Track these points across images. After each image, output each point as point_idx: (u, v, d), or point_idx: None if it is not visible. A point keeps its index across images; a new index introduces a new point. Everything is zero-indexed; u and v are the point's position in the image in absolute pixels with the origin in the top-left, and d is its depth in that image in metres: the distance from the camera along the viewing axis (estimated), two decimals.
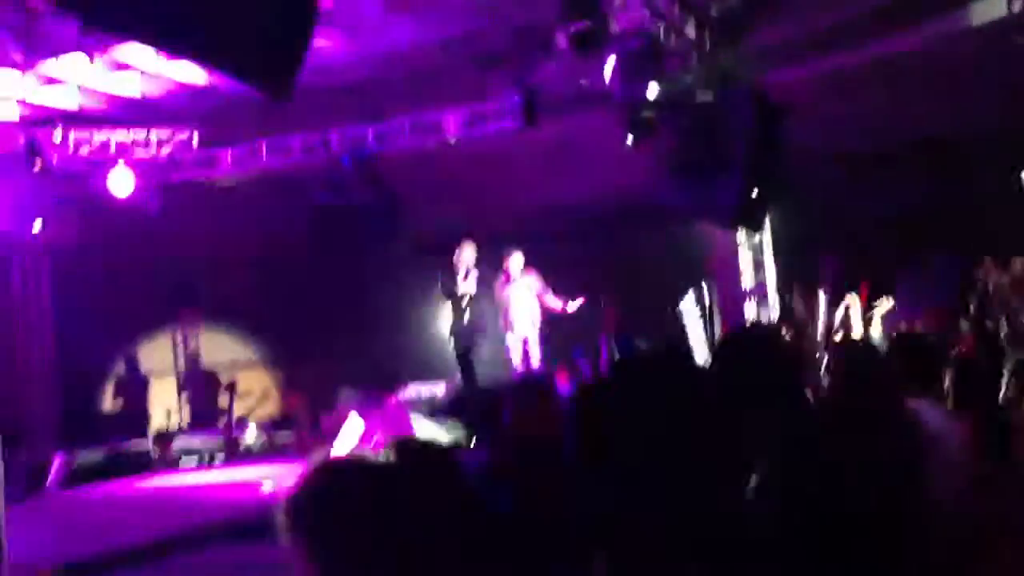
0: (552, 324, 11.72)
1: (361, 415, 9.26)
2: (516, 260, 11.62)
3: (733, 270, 11.69)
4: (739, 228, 10.94)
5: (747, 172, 9.21)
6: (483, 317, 11.50)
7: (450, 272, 11.35)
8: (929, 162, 11.50)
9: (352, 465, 1.94)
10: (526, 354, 11.47)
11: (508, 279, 11.57)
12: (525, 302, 11.53)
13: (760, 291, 11.61)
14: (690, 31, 8.92)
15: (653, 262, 12.44)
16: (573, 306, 11.53)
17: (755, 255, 11.66)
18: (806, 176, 10.67)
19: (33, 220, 12.49)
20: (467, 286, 11.30)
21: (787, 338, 8.28)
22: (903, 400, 3.33)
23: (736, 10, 8.76)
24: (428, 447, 2.95)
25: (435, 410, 10.45)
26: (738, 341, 2.92)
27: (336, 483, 1.85)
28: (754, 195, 9.59)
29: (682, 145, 9.65)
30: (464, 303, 11.31)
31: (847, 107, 11.16)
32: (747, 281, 11.66)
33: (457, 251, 11.37)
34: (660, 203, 10.05)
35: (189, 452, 11.94)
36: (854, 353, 3.81)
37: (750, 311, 11.54)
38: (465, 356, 11.35)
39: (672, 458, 1.56)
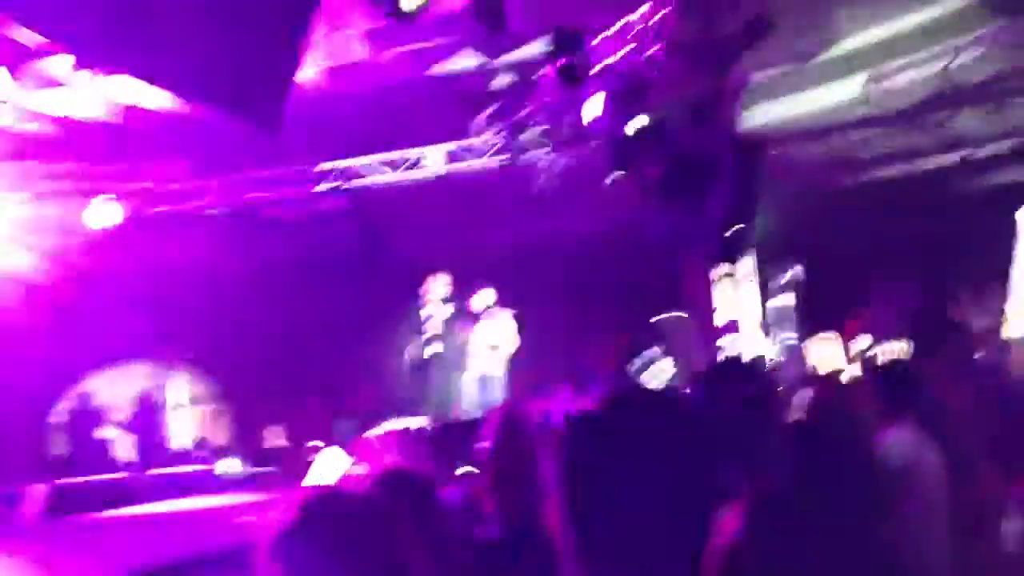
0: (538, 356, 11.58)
1: (349, 449, 9.24)
2: (481, 297, 11.20)
3: (709, 302, 11.75)
4: (718, 261, 11.03)
5: (727, 206, 9.33)
6: (452, 352, 10.94)
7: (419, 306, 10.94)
8: (906, 196, 11.66)
9: (334, 498, 1.96)
10: (483, 393, 10.92)
11: (471, 317, 11.14)
12: (489, 340, 11.06)
13: (735, 326, 11.67)
14: (672, 67, 9.04)
15: (633, 294, 12.49)
16: None
17: (734, 288, 11.71)
18: (787, 210, 10.79)
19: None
20: (434, 320, 10.84)
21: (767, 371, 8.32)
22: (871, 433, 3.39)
23: (719, 46, 8.89)
24: (409, 478, 2.99)
25: (420, 443, 10.40)
26: (722, 373, 2.98)
27: (318, 516, 1.87)
28: (734, 229, 9.71)
29: (663, 179, 9.76)
30: (427, 337, 10.81)
31: (824, 142, 11.37)
32: (725, 314, 11.71)
33: (425, 285, 10.96)
34: (642, 236, 10.15)
35: (169, 482, 11.88)
36: (829, 388, 3.88)
37: (728, 344, 11.59)
38: (427, 390, 10.86)
39: (656, 489, 1.58)
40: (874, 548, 2.35)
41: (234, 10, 4.28)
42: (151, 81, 4.56)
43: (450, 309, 10.99)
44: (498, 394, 10.87)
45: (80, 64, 6.98)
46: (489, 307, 11.08)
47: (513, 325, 11.14)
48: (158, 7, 4.07)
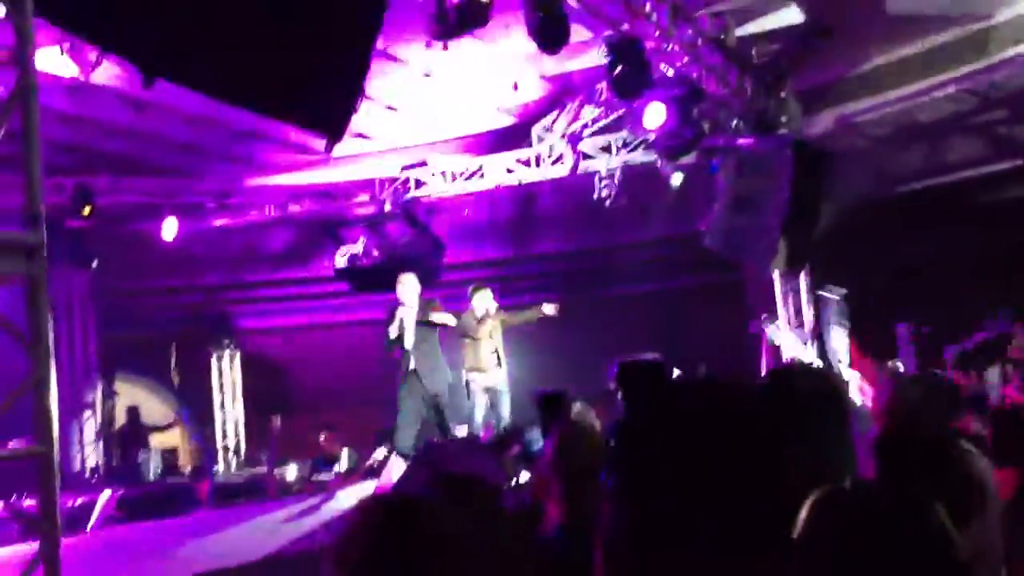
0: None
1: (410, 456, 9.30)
2: (483, 297, 10.41)
3: (772, 312, 11.67)
4: (778, 270, 10.95)
5: (788, 217, 9.26)
6: (425, 358, 9.60)
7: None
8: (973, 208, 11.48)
9: (405, 502, 1.97)
10: (492, 404, 10.32)
11: (478, 320, 10.36)
12: (493, 344, 10.45)
13: (801, 334, 11.59)
14: (732, 77, 9.02)
15: (696, 303, 12.46)
16: (550, 308, 10.53)
17: (795, 298, 11.64)
18: (849, 220, 10.68)
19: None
20: (404, 323, 9.57)
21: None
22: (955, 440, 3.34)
23: (778, 56, 8.85)
24: (473, 481, 3.02)
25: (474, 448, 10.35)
26: (788, 375, 2.97)
27: (393, 519, 1.88)
28: (794, 238, 9.63)
29: (724, 189, 9.73)
30: (398, 343, 9.61)
31: (888, 151, 11.23)
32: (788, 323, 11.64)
33: (398, 285, 9.80)
34: (703, 245, 10.10)
35: (231, 490, 12.05)
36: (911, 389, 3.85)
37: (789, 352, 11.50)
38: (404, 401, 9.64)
39: (715, 492, 1.53)
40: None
41: (302, 23, 4.35)
42: (219, 95, 4.65)
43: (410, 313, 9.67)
44: (506, 407, 10.36)
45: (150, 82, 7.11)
46: (494, 309, 10.44)
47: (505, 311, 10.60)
48: (224, 21, 4.15)
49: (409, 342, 9.51)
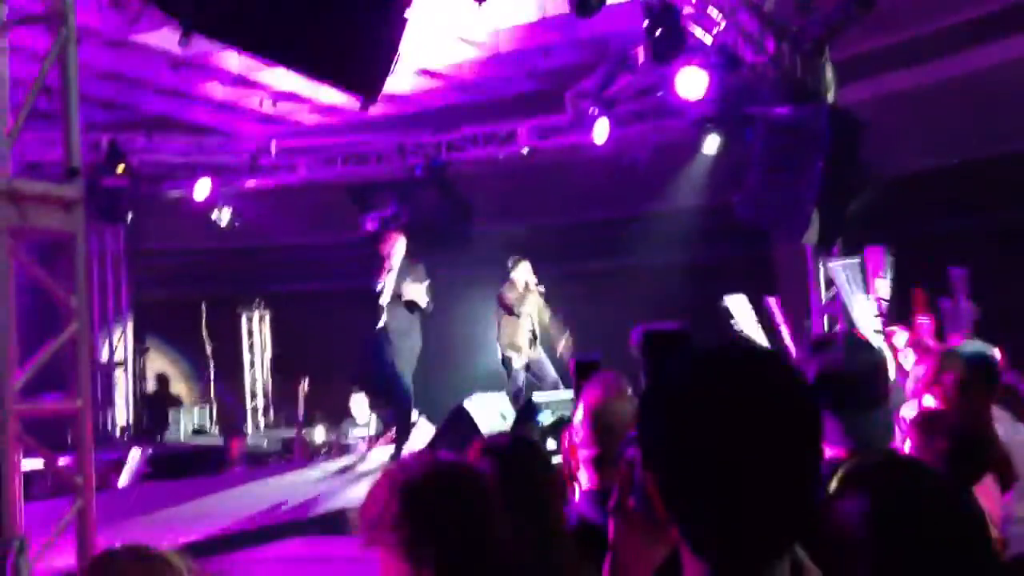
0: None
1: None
2: (524, 269, 10.44)
3: (802, 286, 11.58)
4: (810, 243, 10.84)
5: (823, 188, 9.15)
6: (395, 319, 9.36)
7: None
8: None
9: (449, 466, 1.99)
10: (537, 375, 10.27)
11: (520, 293, 10.32)
12: (531, 322, 10.43)
13: (830, 308, 11.49)
14: (769, 44, 8.90)
15: (725, 274, 12.38)
16: (563, 348, 10.45)
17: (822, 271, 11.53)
18: (884, 193, 10.56)
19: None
20: (389, 284, 9.36)
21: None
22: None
23: (816, 25, 8.72)
24: (520, 441, 3.02)
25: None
26: (834, 343, 2.94)
27: (451, 477, 1.92)
28: (829, 211, 9.52)
29: (758, 158, 9.62)
30: (385, 304, 9.37)
31: (926, 123, 11.07)
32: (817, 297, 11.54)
33: (387, 243, 9.61)
34: (734, 215, 10.01)
35: (260, 450, 12.17)
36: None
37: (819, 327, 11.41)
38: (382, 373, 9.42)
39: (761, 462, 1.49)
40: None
41: None
42: (260, 53, 4.64)
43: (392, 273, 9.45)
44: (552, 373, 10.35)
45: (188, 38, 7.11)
46: (530, 285, 10.42)
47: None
48: None
49: (384, 299, 9.41)
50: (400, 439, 9.23)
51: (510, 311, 10.33)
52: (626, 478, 2.02)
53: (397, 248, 9.48)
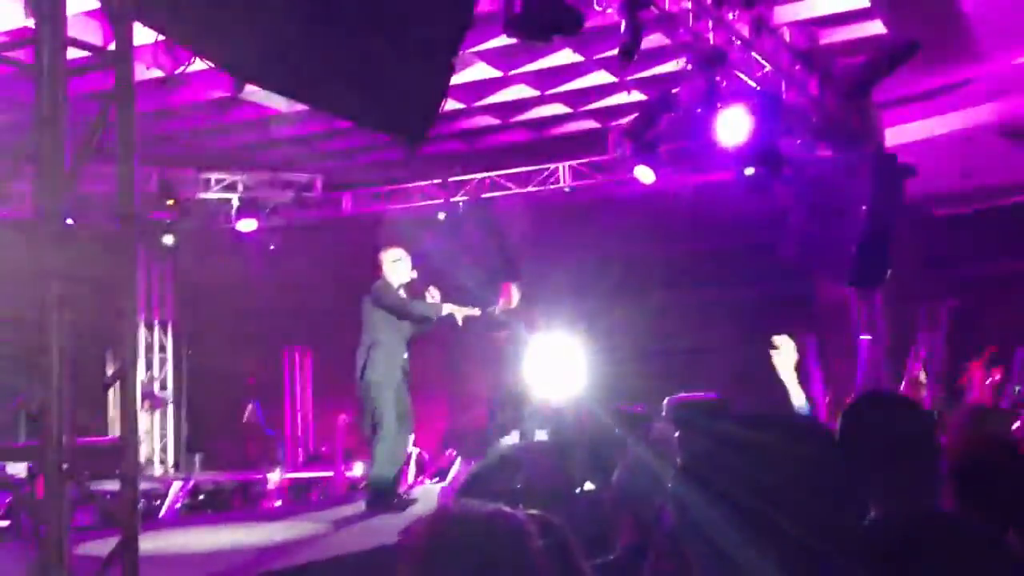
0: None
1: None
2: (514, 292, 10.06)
3: (844, 325, 11.53)
4: (853, 284, 10.80)
5: (867, 229, 9.13)
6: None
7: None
8: None
9: (467, 515, 1.92)
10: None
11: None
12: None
13: (871, 349, 11.42)
14: (812, 87, 8.93)
15: (763, 314, 12.34)
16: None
17: (869, 312, 11.47)
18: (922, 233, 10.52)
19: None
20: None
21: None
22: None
23: (861, 68, 8.73)
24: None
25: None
26: (873, 402, 2.94)
27: (453, 533, 1.84)
28: (872, 252, 9.49)
29: (801, 199, 9.63)
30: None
31: (961, 164, 11.05)
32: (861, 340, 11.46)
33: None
34: (777, 255, 10.01)
35: (300, 485, 12.24)
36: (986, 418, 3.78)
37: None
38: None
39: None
40: None
41: (386, 28, 4.40)
42: (306, 100, 4.74)
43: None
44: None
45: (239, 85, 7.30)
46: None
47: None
48: (311, 27, 4.22)
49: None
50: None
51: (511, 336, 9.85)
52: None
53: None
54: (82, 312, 4.21)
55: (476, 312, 9.25)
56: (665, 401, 5.51)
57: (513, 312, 9.88)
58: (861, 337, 10.62)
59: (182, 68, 5.44)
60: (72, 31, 4.16)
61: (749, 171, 9.81)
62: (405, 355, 8.46)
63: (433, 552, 1.80)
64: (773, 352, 4.94)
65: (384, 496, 8.20)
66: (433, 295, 8.61)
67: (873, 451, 2.59)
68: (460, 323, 9.09)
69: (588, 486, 8.00)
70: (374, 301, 8.37)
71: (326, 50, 4.26)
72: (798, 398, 4.63)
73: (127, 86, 4.20)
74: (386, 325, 8.36)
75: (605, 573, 2.88)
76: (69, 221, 4.02)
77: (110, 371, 4.36)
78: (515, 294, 9.89)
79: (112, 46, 4.31)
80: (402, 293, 8.52)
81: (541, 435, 9.62)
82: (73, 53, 4.19)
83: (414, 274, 8.53)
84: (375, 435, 8.27)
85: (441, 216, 12.89)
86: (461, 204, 13.06)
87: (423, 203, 13.45)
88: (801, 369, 4.92)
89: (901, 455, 2.60)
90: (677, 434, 4.90)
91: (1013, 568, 2.01)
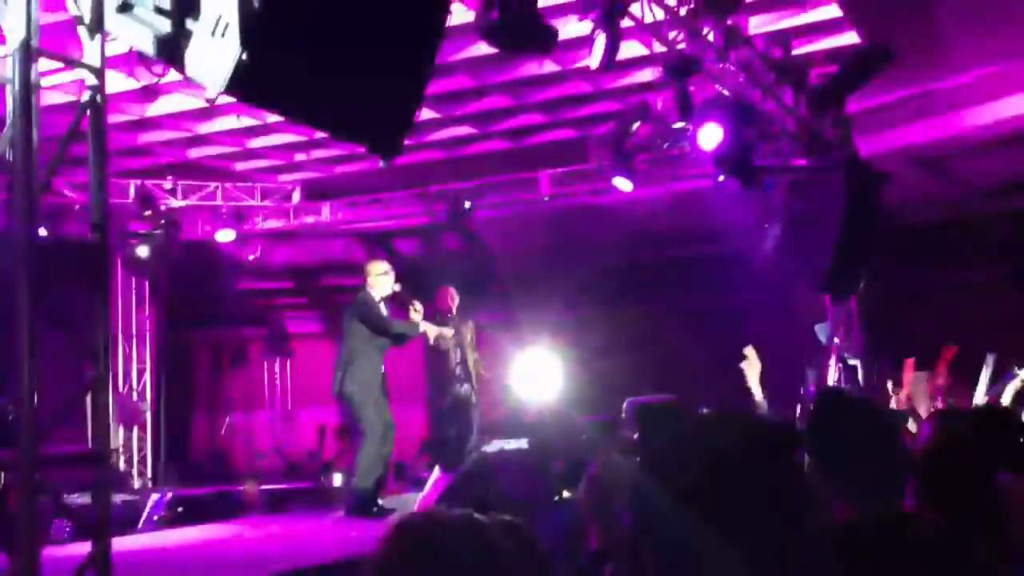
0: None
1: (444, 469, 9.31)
2: (449, 297, 9.89)
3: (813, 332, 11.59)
4: (829, 293, 10.86)
5: (840, 238, 9.19)
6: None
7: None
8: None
9: (435, 521, 1.87)
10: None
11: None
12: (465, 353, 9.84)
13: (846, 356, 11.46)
14: (787, 97, 8.98)
15: (743, 321, 12.40)
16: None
17: (846, 320, 11.52)
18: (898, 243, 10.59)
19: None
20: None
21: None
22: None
23: (835, 77, 8.79)
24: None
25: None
26: (836, 401, 2.98)
27: (419, 540, 1.81)
28: (847, 261, 9.55)
29: (776, 209, 9.69)
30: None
31: (937, 175, 11.15)
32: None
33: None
34: (752, 265, 10.07)
35: (279, 496, 12.18)
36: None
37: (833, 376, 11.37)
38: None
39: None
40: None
41: (360, 38, 4.41)
42: (282, 111, 4.74)
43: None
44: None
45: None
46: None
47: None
48: (284, 38, 4.23)
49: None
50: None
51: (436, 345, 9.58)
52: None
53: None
54: (60, 324, 4.21)
55: (450, 332, 9.37)
56: (625, 403, 5.60)
57: (452, 318, 9.85)
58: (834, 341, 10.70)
59: (157, 79, 5.42)
60: (44, 43, 4.16)
61: (722, 179, 9.89)
62: (382, 367, 8.53)
63: (400, 559, 1.79)
64: (743, 363, 5.08)
65: (364, 505, 8.25)
66: (417, 309, 8.73)
67: (837, 452, 2.63)
68: (432, 342, 9.24)
69: (566, 494, 8.02)
70: (357, 314, 8.46)
71: (300, 60, 4.26)
72: (761, 406, 4.75)
73: (99, 96, 4.20)
74: (366, 337, 8.43)
75: None
76: (43, 231, 4.03)
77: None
78: (454, 299, 9.82)
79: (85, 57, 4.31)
80: (383, 306, 8.58)
81: (520, 443, 9.65)
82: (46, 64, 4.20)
83: (397, 287, 8.64)
84: (355, 445, 8.34)
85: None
86: (440, 214, 13.07)
87: (402, 212, 13.45)
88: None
89: (863, 456, 2.64)
90: (636, 435, 4.97)
91: (975, 570, 2.03)
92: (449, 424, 9.68)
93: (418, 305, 8.80)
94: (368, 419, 8.26)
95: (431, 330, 9.16)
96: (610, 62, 7.16)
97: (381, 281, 8.60)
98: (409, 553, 1.79)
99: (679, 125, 9.10)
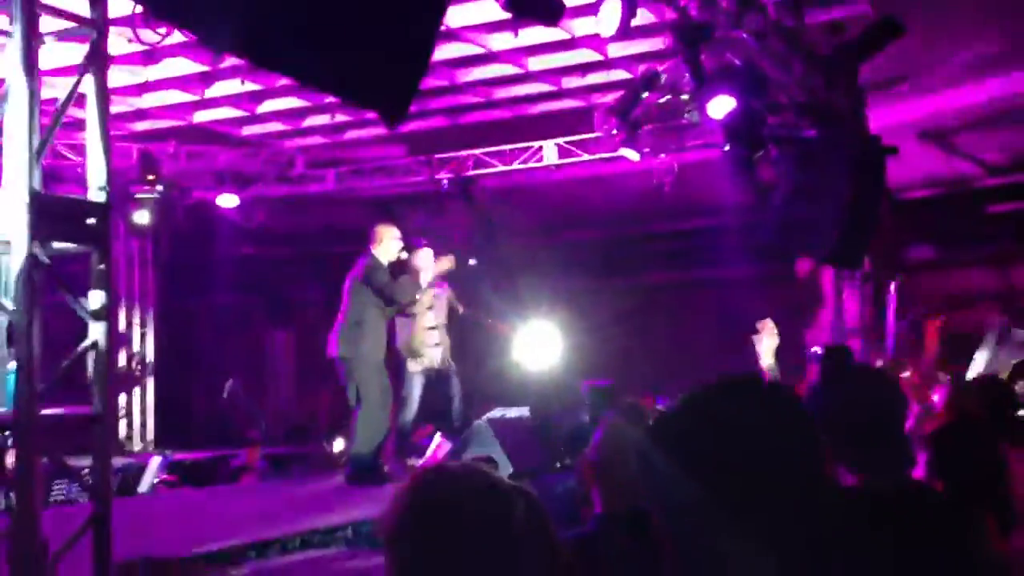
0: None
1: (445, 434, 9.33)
2: (426, 256, 9.09)
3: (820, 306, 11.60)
4: (833, 265, 10.82)
5: (848, 210, 9.12)
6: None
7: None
8: None
9: (446, 475, 1.87)
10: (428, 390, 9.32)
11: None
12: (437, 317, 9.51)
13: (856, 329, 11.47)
14: (797, 67, 8.89)
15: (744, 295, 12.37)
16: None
17: (849, 293, 11.52)
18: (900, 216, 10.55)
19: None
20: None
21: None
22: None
23: (846, 48, 8.70)
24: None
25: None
26: (844, 374, 2.95)
27: (436, 493, 1.79)
28: (852, 234, 9.49)
29: (783, 180, 9.61)
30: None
31: (944, 147, 11.09)
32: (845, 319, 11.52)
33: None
34: (760, 236, 10.01)
35: (281, 460, 12.22)
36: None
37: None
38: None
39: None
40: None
41: (369, 4, 4.35)
42: (280, 69, 4.68)
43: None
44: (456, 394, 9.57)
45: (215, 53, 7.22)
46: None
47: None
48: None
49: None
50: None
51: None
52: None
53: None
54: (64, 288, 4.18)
55: (450, 262, 9.19)
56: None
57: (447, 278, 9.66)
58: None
59: (160, 40, 5.36)
60: None
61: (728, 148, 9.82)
62: (385, 333, 8.54)
63: (418, 509, 1.76)
64: (755, 337, 5.03)
65: (365, 471, 8.26)
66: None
67: (844, 424, 2.61)
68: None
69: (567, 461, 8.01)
70: (364, 279, 8.43)
71: (305, 20, 4.20)
72: (775, 378, 4.72)
73: (101, 54, 4.14)
74: (372, 303, 8.42)
75: (579, 545, 2.89)
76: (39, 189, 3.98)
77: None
78: (447, 262, 9.29)
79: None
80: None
81: (522, 411, 9.68)
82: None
83: (404, 255, 8.63)
84: (357, 410, 8.33)
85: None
86: (445, 181, 13.00)
87: (407, 179, 13.38)
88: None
89: (870, 427, 2.62)
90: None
91: (981, 543, 1.99)
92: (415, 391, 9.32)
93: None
94: (368, 384, 8.26)
95: (441, 265, 9.04)
96: (626, 30, 7.10)
97: (390, 246, 8.57)
98: (426, 507, 1.76)
99: (685, 97, 9.04)
